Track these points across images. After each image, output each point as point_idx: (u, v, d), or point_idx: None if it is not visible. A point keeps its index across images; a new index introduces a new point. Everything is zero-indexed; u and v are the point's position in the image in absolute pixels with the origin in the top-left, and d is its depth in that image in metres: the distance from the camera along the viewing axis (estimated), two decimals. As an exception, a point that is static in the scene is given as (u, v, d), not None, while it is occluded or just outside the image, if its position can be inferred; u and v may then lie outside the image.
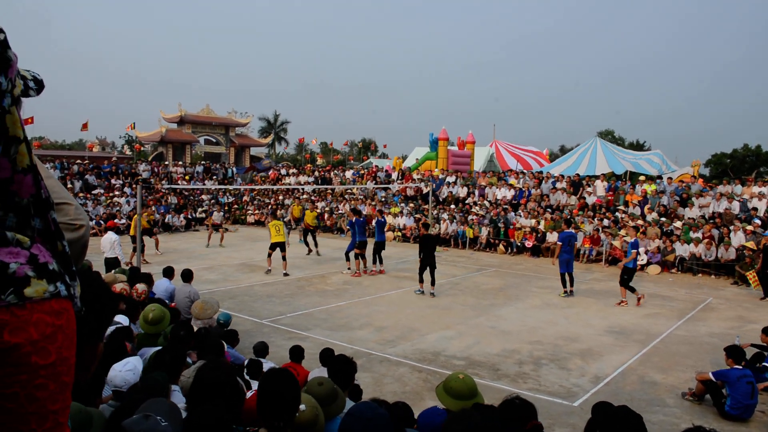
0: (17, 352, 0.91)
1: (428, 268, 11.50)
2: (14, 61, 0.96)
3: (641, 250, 15.87)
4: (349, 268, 14.66)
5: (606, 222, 18.23)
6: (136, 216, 13.48)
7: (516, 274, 15.42)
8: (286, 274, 14.07)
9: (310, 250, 17.11)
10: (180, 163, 34.15)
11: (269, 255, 14.46)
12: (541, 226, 18.99)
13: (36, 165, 1.00)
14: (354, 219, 14.38)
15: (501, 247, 19.65)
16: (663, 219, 17.65)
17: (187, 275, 7.99)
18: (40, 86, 1.10)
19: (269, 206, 28.07)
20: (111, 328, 4.68)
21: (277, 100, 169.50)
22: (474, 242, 20.54)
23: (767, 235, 14.66)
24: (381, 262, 14.87)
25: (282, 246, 14.35)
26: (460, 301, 11.58)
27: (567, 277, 12.16)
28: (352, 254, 14.43)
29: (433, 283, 11.62)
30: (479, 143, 32.71)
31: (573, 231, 12.85)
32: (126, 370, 3.31)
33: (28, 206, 0.98)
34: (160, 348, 3.92)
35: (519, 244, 19.36)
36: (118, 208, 24.23)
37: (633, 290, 11.59)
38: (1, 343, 0.90)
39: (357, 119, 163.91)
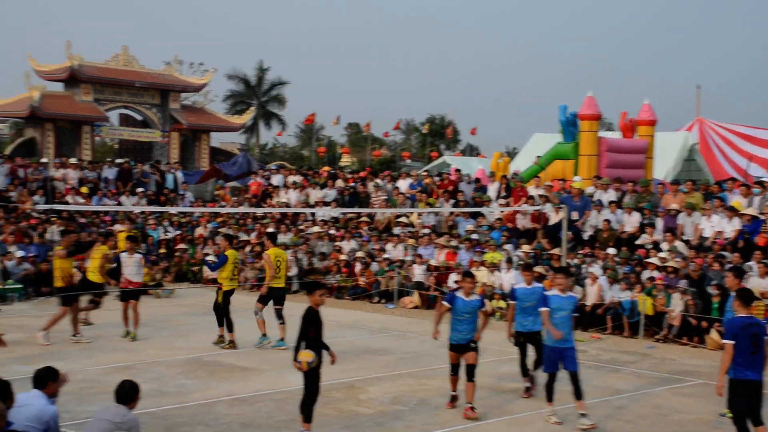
0: None
1: None
2: None
3: None
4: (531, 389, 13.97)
5: None
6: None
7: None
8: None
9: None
10: (71, 161, 34.90)
11: (258, 312, 16.91)
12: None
13: None
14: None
15: (714, 333, 19.10)
16: None
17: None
18: None
19: (258, 235, 28.12)
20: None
21: (262, 40, 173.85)
22: (656, 323, 20.34)
23: None
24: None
25: (280, 298, 16.87)
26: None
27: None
28: None
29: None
30: (665, 125, 32.32)
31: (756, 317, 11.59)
32: None
33: None
34: None
35: (752, 329, 18.80)
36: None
37: None
38: None
39: (419, 80, 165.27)
